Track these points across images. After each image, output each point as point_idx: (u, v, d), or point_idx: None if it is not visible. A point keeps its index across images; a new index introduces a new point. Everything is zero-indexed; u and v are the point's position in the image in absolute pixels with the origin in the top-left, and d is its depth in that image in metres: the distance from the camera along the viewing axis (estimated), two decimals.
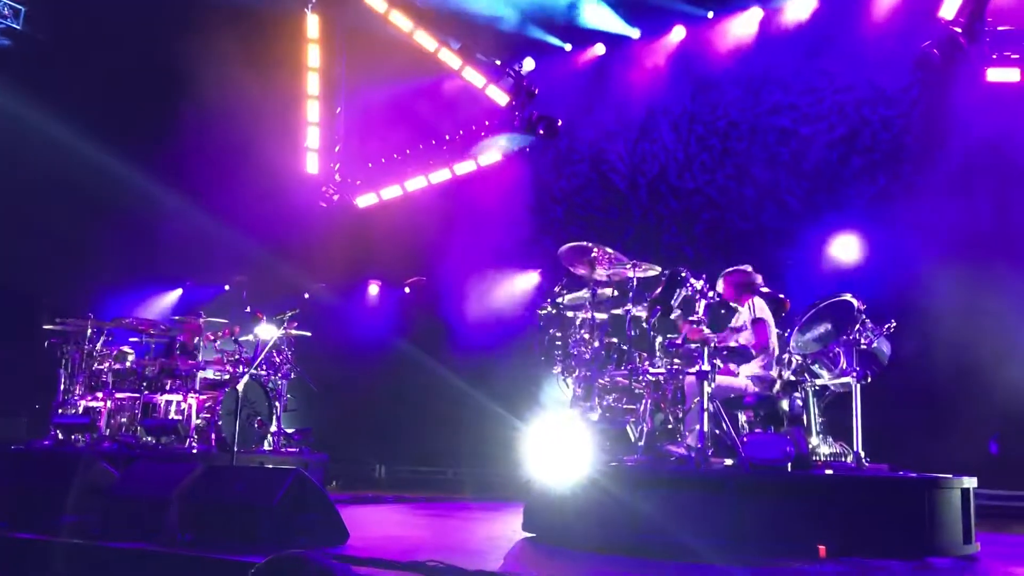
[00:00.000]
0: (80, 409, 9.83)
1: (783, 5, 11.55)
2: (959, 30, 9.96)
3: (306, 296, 12.85)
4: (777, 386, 7.01)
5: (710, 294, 7.10)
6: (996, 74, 9.79)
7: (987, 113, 9.96)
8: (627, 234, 12.11)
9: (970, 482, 6.12)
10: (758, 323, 7.09)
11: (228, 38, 12.28)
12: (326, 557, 2.32)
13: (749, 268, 7.54)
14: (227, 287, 12.35)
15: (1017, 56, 9.80)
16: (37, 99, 11.55)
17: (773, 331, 7.22)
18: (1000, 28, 9.94)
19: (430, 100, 13.67)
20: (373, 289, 14.43)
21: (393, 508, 9.29)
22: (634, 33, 12.58)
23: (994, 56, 9.87)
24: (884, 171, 10.76)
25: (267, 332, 9.63)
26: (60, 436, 9.59)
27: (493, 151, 12.98)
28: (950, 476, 6.08)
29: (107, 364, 9.87)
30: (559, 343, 7.57)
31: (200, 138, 13.03)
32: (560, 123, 12.54)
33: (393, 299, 14.16)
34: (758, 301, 7.27)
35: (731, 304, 7.49)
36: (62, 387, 9.94)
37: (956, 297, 9.33)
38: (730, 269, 7.50)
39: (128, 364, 9.97)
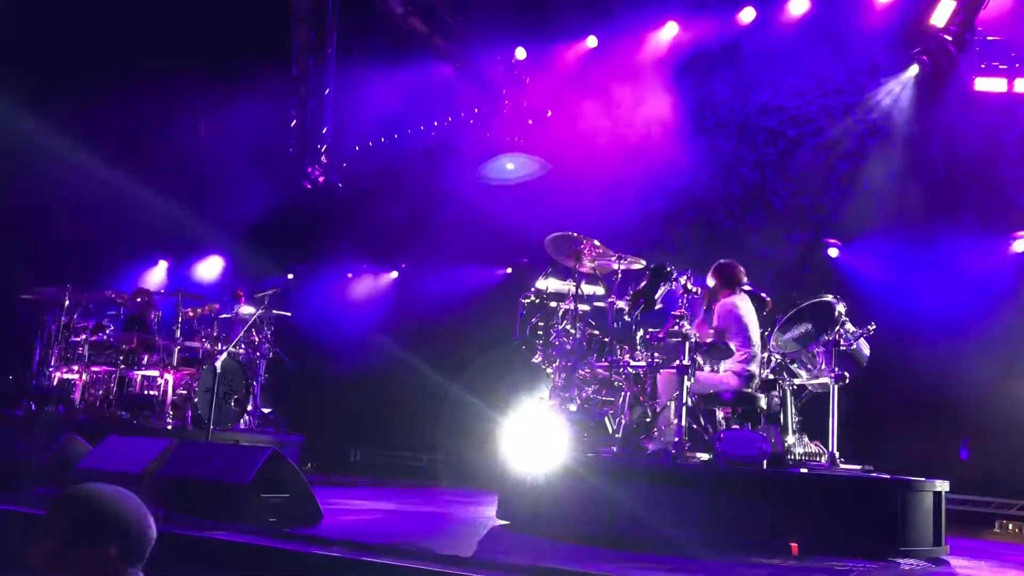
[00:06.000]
0: (55, 381, 9.73)
1: (775, 6, 11.56)
2: (949, 38, 10.02)
3: (289, 277, 12.80)
4: (755, 384, 7.04)
5: (694, 290, 7.10)
6: (984, 83, 9.86)
7: (974, 122, 10.05)
8: (612, 228, 12.10)
9: (942, 485, 6.18)
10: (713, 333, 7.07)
11: (210, 19, 12.16)
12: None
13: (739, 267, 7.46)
14: (211, 265, 12.29)
15: (1005, 66, 9.87)
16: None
17: (755, 329, 7.23)
18: (989, 38, 10.01)
19: (421, 85, 13.60)
20: (354, 273, 14.37)
21: (367, 492, 9.28)
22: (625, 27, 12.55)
23: (983, 65, 9.94)
24: (869, 176, 10.83)
25: (247, 311, 9.57)
26: (33, 407, 9.49)
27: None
28: (922, 479, 6.13)
29: (84, 336, 9.77)
30: (541, 333, 7.56)
31: (184, 116, 12.92)
32: (550, 114, 12.53)
33: (374, 284, 14.13)
34: (725, 304, 7.17)
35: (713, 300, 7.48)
36: (37, 358, 9.84)
37: (936, 303, 9.42)
38: (720, 261, 7.44)
39: (105, 337, 9.88)
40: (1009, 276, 9.67)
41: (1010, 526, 8.82)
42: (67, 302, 9.80)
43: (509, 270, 12.93)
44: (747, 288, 7.60)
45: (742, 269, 7.34)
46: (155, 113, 12.83)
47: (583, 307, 7.45)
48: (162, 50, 12.63)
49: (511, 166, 12.76)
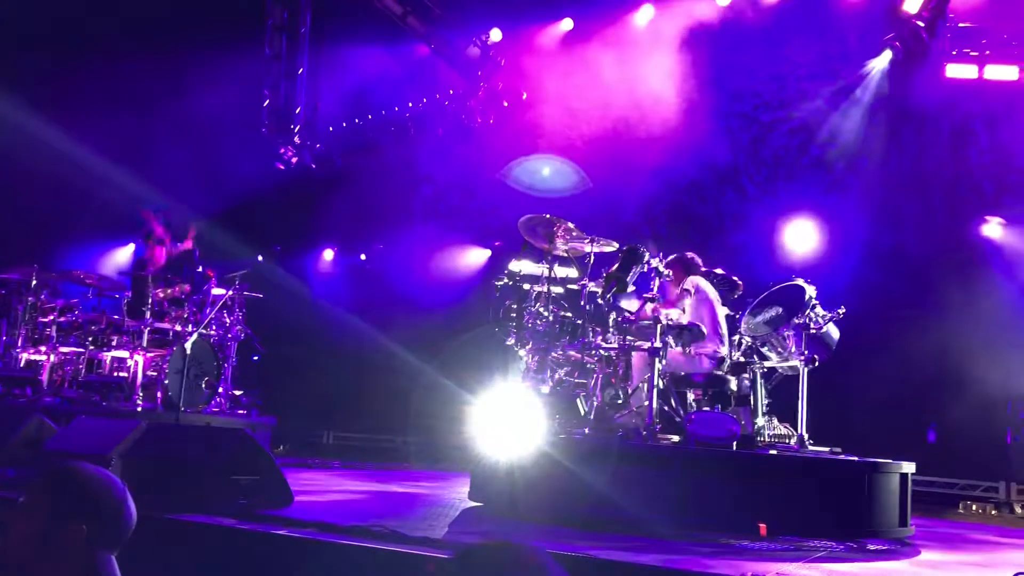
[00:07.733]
0: (22, 362, 9.61)
1: None
2: (922, 24, 10.10)
3: (259, 259, 12.67)
4: (726, 366, 7.09)
5: (666, 273, 7.13)
6: (955, 70, 9.94)
7: (945, 108, 10.14)
8: (586, 212, 12.10)
9: (908, 467, 6.26)
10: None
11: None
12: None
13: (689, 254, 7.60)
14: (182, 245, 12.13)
15: (976, 53, 9.95)
16: None
17: (720, 312, 7.28)
18: (961, 24, 10.08)
19: (396, 65, 13.49)
20: (328, 255, 14.31)
21: (339, 474, 9.26)
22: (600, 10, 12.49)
23: (954, 52, 10.01)
24: (841, 161, 10.89)
25: (218, 292, 9.49)
26: (0, 389, 9.37)
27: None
28: (889, 461, 6.20)
29: (52, 317, 9.65)
30: (514, 315, 7.55)
31: (152, 95, 12.75)
32: (525, 96, 12.47)
33: (348, 266, 14.06)
34: (690, 289, 7.25)
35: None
36: (4, 339, 9.71)
37: (905, 287, 9.51)
38: (672, 256, 7.51)
39: (74, 318, 9.77)
40: (976, 261, 9.78)
41: (974, 507, 8.97)
42: (34, 282, 9.66)
43: (484, 252, 12.90)
44: (719, 271, 7.67)
45: (694, 255, 7.45)
46: (126, 92, 12.65)
47: (556, 289, 7.45)
48: (133, 30, 12.47)
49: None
